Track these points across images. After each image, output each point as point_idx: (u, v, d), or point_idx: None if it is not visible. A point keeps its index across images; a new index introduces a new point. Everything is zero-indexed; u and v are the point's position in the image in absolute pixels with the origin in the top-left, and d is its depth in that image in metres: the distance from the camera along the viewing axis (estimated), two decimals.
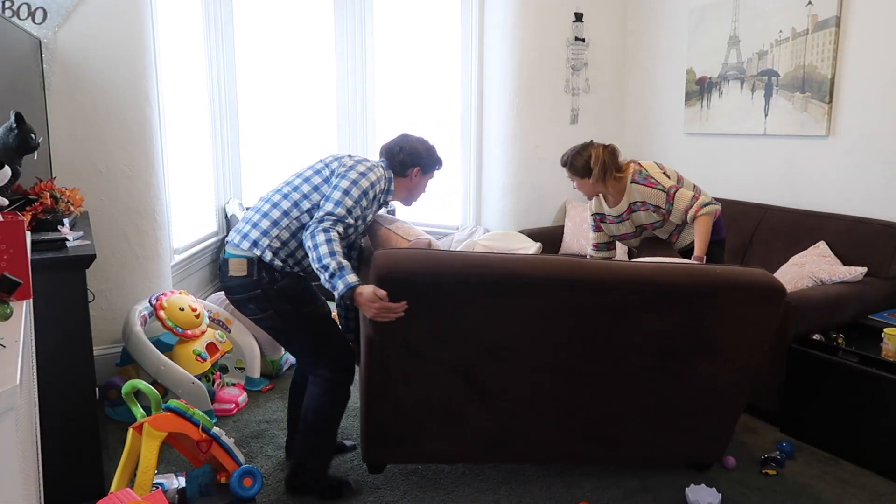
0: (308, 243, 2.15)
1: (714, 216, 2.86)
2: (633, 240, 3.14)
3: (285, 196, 2.31)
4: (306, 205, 2.28)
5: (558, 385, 2.34)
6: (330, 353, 2.37)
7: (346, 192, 2.24)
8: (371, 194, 2.30)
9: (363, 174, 2.29)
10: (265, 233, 2.26)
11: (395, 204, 2.96)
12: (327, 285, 2.11)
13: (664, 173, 2.96)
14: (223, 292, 2.46)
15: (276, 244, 2.25)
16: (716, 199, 3.19)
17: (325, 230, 2.13)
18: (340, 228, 2.18)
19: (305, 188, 2.32)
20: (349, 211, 2.22)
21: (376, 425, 2.36)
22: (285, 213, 2.28)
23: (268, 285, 2.26)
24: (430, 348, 2.22)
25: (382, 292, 2.04)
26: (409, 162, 2.46)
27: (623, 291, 2.19)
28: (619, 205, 3.00)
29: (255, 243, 2.25)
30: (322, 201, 2.27)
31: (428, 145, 2.51)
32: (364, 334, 2.24)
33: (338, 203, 2.21)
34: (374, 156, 4.72)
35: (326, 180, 2.32)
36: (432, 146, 2.52)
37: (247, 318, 2.40)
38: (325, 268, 2.09)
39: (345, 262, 2.11)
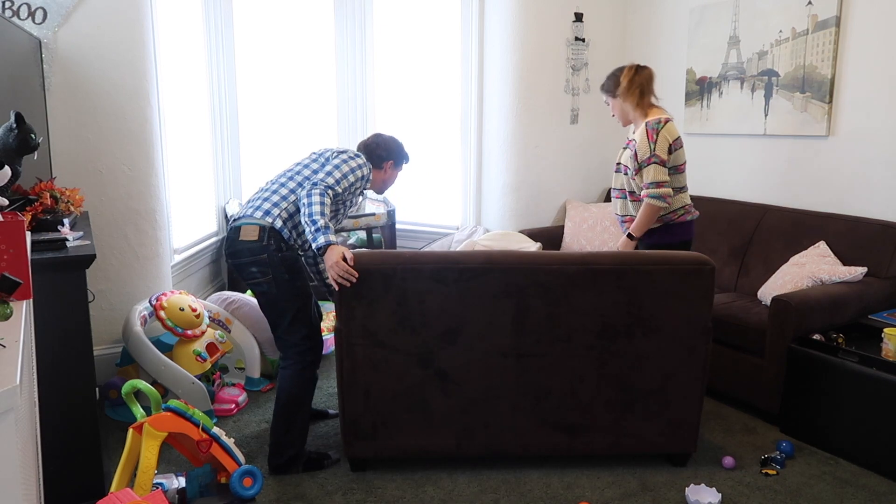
0: (304, 200, 2.48)
1: (656, 210, 2.85)
2: (617, 182, 3.08)
3: (290, 178, 2.68)
4: (308, 185, 2.59)
5: (512, 369, 2.52)
6: (302, 330, 2.61)
7: (337, 167, 2.62)
8: (359, 174, 2.67)
9: (352, 157, 2.70)
10: (276, 204, 2.59)
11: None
12: (310, 237, 2.44)
13: (671, 145, 2.86)
14: (227, 257, 2.70)
15: (285, 215, 2.59)
16: (715, 199, 3.13)
17: (321, 193, 2.49)
18: (331, 194, 2.53)
19: (306, 172, 2.69)
20: (338, 181, 2.58)
21: (351, 419, 2.54)
22: (292, 191, 2.63)
23: (274, 252, 2.54)
24: (388, 336, 2.48)
25: (350, 254, 2.39)
26: (385, 155, 2.86)
27: (555, 272, 2.45)
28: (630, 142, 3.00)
29: (267, 212, 2.58)
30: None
31: (399, 142, 2.91)
32: (335, 326, 2.51)
33: (329, 174, 2.59)
34: None
35: (322, 165, 2.69)
36: (402, 143, 2.91)
37: (244, 280, 2.65)
38: (314, 222, 2.43)
39: (330, 224, 2.47)
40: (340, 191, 2.58)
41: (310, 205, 2.45)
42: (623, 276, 2.46)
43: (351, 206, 2.79)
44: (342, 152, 2.73)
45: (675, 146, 2.87)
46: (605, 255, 2.51)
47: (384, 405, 2.52)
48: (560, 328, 2.49)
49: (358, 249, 2.56)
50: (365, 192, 2.87)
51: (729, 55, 3.98)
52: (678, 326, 2.51)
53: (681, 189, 2.94)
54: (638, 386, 2.55)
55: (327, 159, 2.70)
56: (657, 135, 2.83)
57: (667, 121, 2.88)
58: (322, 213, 2.43)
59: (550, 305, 2.46)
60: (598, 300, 2.46)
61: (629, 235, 2.94)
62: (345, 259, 2.38)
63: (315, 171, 2.67)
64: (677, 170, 2.91)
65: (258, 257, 2.53)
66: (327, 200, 2.48)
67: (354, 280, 2.38)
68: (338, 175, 2.59)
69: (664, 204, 2.85)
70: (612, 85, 3.02)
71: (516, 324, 2.47)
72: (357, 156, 2.71)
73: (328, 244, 2.39)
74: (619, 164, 3.04)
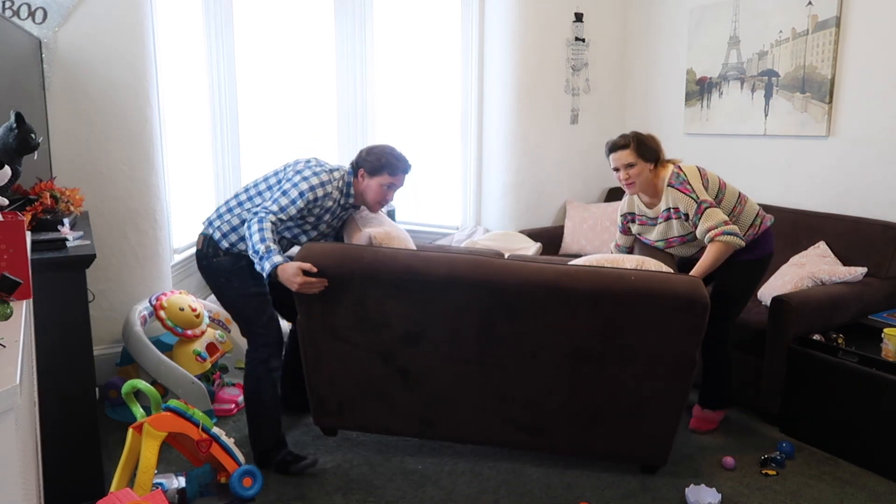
0: (245, 234, 2.48)
1: (732, 248, 2.62)
2: (660, 244, 2.85)
3: (245, 190, 2.69)
4: (258, 200, 2.61)
5: (475, 374, 2.44)
6: (254, 329, 2.60)
7: (285, 193, 2.53)
8: (313, 195, 2.53)
9: (305, 178, 2.55)
10: (220, 216, 2.64)
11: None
12: (258, 268, 2.39)
13: (703, 184, 2.70)
14: None
15: (226, 227, 2.60)
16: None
17: (259, 220, 2.43)
18: (273, 218, 2.46)
19: (262, 186, 2.66)
20: (282, 208, 2.49)
21: (318, 396, 2.58)
22: (240, 204, 2.64)
23: (210, 259, 2.61)
24: (350, 333, 2.43)
25: (307, 266, 2.32)
26: (357, 163, 2.68)
27: (522, 294, 2.25)
28: (655, 207, 2.79)
29: (210, 223, 2.65)
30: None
31: (381, 150, 2.65)
32: (298, 318, 2.50)
33: (275, 201, 2.51)
34: None
35: (279, 182, 2.63)
36: (384, 152, 2.64)
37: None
38: (256, 252, 2.39)
39: (273, 246, 2.38)
40: (286, 218, 2.49)
41: (249, 237, 2.42)
42: (599, 304, 2.24)
43: (333, 219, 2.71)
44: (298, 172, 2.59)
45: (703, 177, 2.73)
46: (582, 276, 2.27)
47: (348, 391, 2.54)
48: (526, 345, 2.35)
49: (314, 244, 2.50)
50: (352, 204, 2.73)
51: (729, 55, 3.98)
52: (658, 359, 2.31)
53: (735, 207, 2.76)
54: (608, 405, 2.42)
55: (279, 181, 2.62)
56: (689, 184, 2.67)
57: (678, 166, 2.73)
58: (262, 240, 2.37)
59: (516, 324, 2.32)
60: (570, 323, 2.28)
61: None
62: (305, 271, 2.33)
63: (269, 187, 2.62)
64: (721, 188, 2.76)
65: (200, 265, 2.66)
66: (266, 225, 2.41)
67: (325, 286, 2.35)
68: (284, 202, 2.49)
69: (740, 241, 2.63)
70: (650, 150, 2.74)
71: (480, 337, 2.37)
72: (317, 174, 2.57)
73: (273, 267, 2.33)
74: (662, 240, 2.81)
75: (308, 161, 2.67)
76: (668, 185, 2.69)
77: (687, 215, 2.66)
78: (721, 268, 2.68)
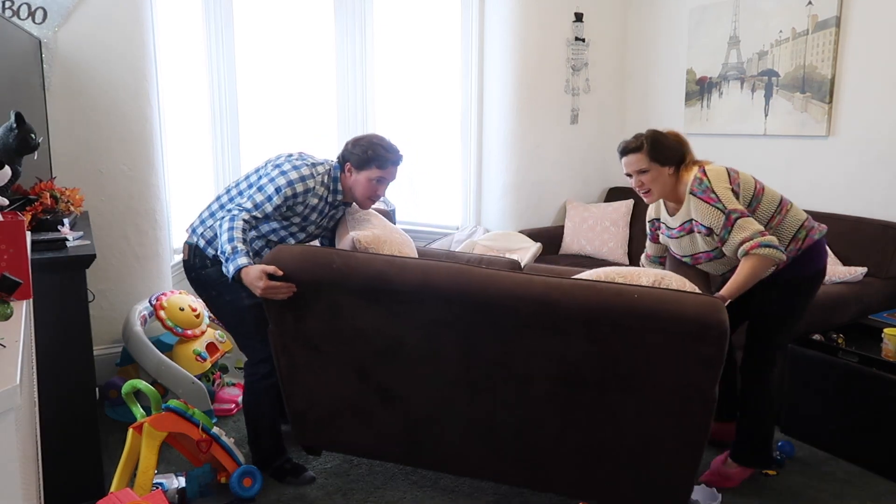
0: (218, 232, 2.32)
1: (771, 263, 2.19)
2: (687, 260, 2.47)
3: (227, 191, 2.53)
4: (239, 200, 2.44)
5: (461, 396, 2.16)
6: (249, 343, 2.48)
7: (260, 189, 2.38)
8: (291, 191, 2.35)
9: (284, 173, 2.38)
10: (202, 222, 2.48)
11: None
12: (224, 270, 2.24)
13: (733, 189, 2.26)
14: None
15: (210, 234, 2.43)
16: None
17: (231, 219, 2.28)
18: (246, 216, 2.31)
19: (243, 185, 2.50)
20: (256, 205, 2.34)
21: (296, 412, 2.43)
22: (221, 206, 2.48)
23: (198, 270, 2.46)
24: (323, 343, 2.26)
25: (271, 268, 2.15)
26: (342, 157, 2.48)
27: (506, 310, 1.97)
28: (676, 215, 2.39)
29: (194, 231, 2.49)
30: None
31: (365, 142, 2.43)
32: (269, 327, 2.33)
33: (250, 197, 2.37)
34: None
35: (259, 178, 2.46)
36: (371, 143, 2.43)
37: None
38: (223, 253, 2.24)
39: (239, 246, 2.22)
40: (261, 216, 2.34)
41: (220, 236, 2.27)
42: (593, 324, 1.92)
43: (322, 219, 2.52)
44: (278, 166, 2.43)
45: (733, 181, 2.30)
46: (575, 291, 1.94)
47: (327, 407, 2.38)
48: (513, 368, 2.06)
49: (283, 246, 2.31)
50: (340, 200, 2.54)
51: (729, 55, 3.98)
52: (667, 394, 1.96)
53: (773, 216, 2.34)
54: (610, 443, 2.08)
55: (259, 177, 2.45)
56: (713, 192, 2.24)
57: (703, 170, 2.31)
58: (230, 240, 2.22)
59: (501, 343, 2.04)
60: (562, 346, 1.98)
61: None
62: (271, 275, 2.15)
63: (250, 185, 2.45)
64: (757, 195, 2.34)
65: (189, 276, 2.51)
66: (238, 224, 2.26)
67: (293, 291, 2.16)
68: (259, 198, 2.34)
69: (781, 255, 2.19)
70: (669, 152, 2.33)
71: (463, 356, 2.09)
72: (297, 168, 2.39)
73: (237, 269, 2.17)
74: (689, 256, 2.43)
75: (290, 155, 2.49)
76: (689, 193, 2.29)
77: (710, 230, 2.25)
78: (758, 287, 2.26)
